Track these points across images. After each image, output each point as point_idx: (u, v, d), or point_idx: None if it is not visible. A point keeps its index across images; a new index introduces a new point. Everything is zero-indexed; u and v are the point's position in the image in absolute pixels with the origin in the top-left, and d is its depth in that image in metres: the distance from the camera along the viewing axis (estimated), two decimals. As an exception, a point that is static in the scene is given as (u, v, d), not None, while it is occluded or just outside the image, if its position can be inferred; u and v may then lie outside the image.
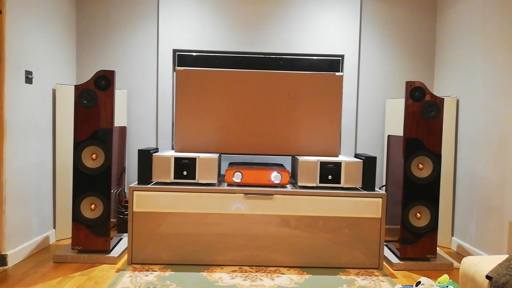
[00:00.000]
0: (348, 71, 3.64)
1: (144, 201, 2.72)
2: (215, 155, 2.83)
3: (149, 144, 3.65)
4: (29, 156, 2.90)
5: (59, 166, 3.26)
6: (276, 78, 2.99)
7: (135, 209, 2.73)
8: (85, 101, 2.74)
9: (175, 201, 2.72)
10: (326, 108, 3.00)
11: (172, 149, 3.60)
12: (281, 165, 3.13)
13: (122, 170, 3.10)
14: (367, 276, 2.63)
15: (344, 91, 3.61)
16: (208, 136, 3.00)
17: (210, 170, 2.78)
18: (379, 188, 3.07)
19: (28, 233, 2.91)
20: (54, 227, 3.28)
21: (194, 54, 3.62)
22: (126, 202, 3.11)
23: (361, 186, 2.83)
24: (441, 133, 2.78)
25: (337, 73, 3.00)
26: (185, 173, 2.78)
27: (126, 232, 3.26)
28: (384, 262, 2.88)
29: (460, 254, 3.16)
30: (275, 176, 2.81)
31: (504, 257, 1.79)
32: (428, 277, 2.48)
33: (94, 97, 2.74)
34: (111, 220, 2.82)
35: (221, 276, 2.58)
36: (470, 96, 3.14)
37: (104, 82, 2.75)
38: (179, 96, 2.98)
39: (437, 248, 3.02)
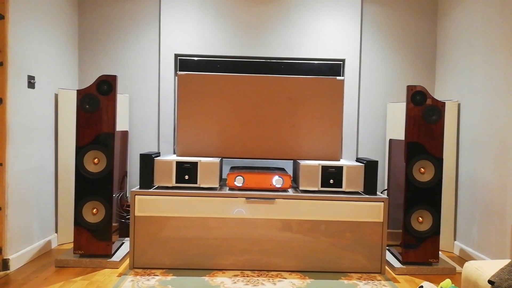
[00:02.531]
0: (349, 75, 3.65)
1: (145, 205, 2.72)
2: (217, 159, 2.83)
3: (150, 148, 3.65)
4: (31, 160, 2.90)
5: (61, 170, 3.26)
6: (277, 82, 3.00)
7: (136, 213, 2.73)
8: (87, 106, 2.75)
9: (176, 205, 2.73)
10: (327, 112, 3.01)
11: (174, 153, 3.61)
12: (282, 169, 3.13)
13: (124, 174, 3.10)
14: (369, 281, 2.62)
15: (345, 95, 3.61)
16: (210, 140, 3.01)
17: (211, 174, 2.79)
18: (381, 192, 3.07)
19: (30, 238, 2.91)
20: (56, 232, 3.29)
21: (195, 58, 3.63)
22: (128, 206, 3.12)
23: (362, 190, 2.83)
24: (442, 137, 2.78)
25: (338, 77, 3.01)
26: (186, 177, 2.79)
27: (128, 236, 3.26)
28: (386, 267, 2.88)
29: (463, 259, 3.15)
30: (276, 180, 2.81)
31: (506, 261, 1.79)
32: (431, 282, 2.47)
33: (96, 102, 2.75)
34: (113, 224, 2.82)
35: (222, 280, 2.57)
36: (471, 100, 3.14)
37: (106, 86, 2.76)
38: (180, 101, 2.99)
39: (440, 252, 3.02)
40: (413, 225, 2.79)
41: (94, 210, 2.77)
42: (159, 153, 3.08)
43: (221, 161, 3.06)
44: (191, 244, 2.74)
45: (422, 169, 2.79)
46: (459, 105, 3.31)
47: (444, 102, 2.79)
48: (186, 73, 2.99)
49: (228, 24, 3.62)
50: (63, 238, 3.31)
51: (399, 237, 2.85)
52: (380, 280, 2.64)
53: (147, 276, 2.61)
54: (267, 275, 2.69)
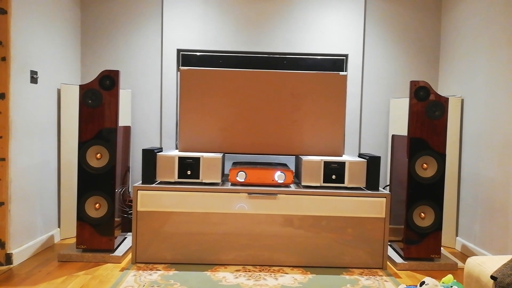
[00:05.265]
0: (352, 71, 3.63)
1: (148, 201, 2.73)
2: (219, 155, 2.83)
3: (153, 143, 3.66)
4: (34, 156, 2.91)
5: (64, 165, 3.27)
6: (279, 78, 2.99)
7: (139, 208, 2.74)
8: (89, 101, 2.75)
9: (179, 200, 2.73)
10: (330, 108, 3.00)
11: (176, 148, 3.61)
12: (284, 165, 3.13)
13: (126, 170, 3.11)
14: (370, 276, 2.63)
15: (348, 90, 3.60)
16: (212, 135, 3.00)
17: (214, 170, 2.79)
18: (383, 188, 3.06)
19: (33, 232, 2.92)
20: (59, 226, 3.30)
21: (198, 53, 3.63)
22: (130, 201, 3.13)
23: (365, 186, 2.83)
24: (445, 132, 2.77)
25: (341, 73, 3.00)
26: (189, 172, 2.79)
27: (130, 231, 3.27)
28: (388, 262, 2.88)
29: (465, 254, 3.15)
30: (278, 176, 2.81)
31: (509, 257, 1.78)
32: (432, 277, 2.47)
33: (99, 97, 2.75)
34: (115, 219, 2.83)
35: (224, 275, 2.58)
36: (475, 96, 3.13)
37: (108, 82, 2.76)
38: (183, 96, 2.99)
39: (441, 248, 3.01)
40: (415, 221, 2.78)
41: (97, 205, 2.78)
42: (161, 148, 3.08)
43: (223, 157, 3.06)
44: (193, 239, 2.75)
45: (425, 165, 2.78)
46: (462, 101, 3.29)
47: (448, 98, 2.78)
48: (189, 68, 2.99)
49: (230, 19, 3.60)
50: (65, 232, 3.32)
51: (401, 233, 2.84)
52: (381, 276, 2.64)
53: (149, 271, 2.62)
54: (269, 270, 2.69)
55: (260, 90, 2.99)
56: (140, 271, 2.61)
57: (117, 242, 2.90)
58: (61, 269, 2.63)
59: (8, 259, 2.66)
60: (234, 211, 2.74)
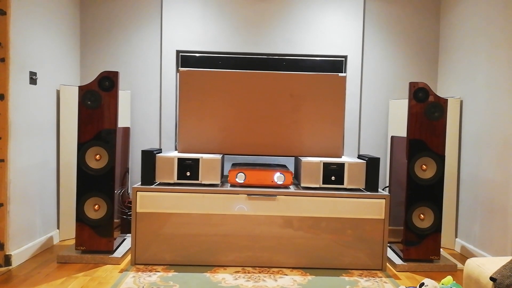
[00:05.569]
0: (351, 72, 3.64)
1: (147, 202, 2.73)
2: (218, 156, 2.83)
3: (152, 144, 3.66)
4: (33, 157, 2.91)
5: (63, 166, 3.27)
6: (279, 79, 2.99)
7: (138, 209, 2.73)
8: (89, 102, 2.75)
9: (178, 201, 2.73)
10: (329, 109, 3.00)
11: (176, 149, 3.61)
12: (284, 166, 3.13)
13: (125, 171, 3.11)
14: (370, 277, 2.63)
15: (347, 91, 3.61)
16: (211, 136, 3.00)
17: (213, 171, 2.79)
18: (383, 189, 3.06)
19: (32, 234, 2.92)
20: (58, 228, 3.29)
21: (197, 54, 3.63)
22: (130, 202, 3.12)
23: (364, 187, 2.83)
24: (444, 134, 2.77)
25: (340, 74, 3.00)
26: (188, 173, 2.79)
27: (130, 232, 3.27)
28: (387, 264, 2.88)
29: (464, 256, 3.15)
30: (278, 177, 2.81)
31: (508, 258, 1.78)
32: (432, 279, 2.47)
33: (98, 98, 2.75)
34: (115, 220, 2.83)
35: (224, 276, 2.58)
36: (474, 97, 3.13)
37: (107, 83, 2.76)
38: (182, 97, 2.99)
39: (441, 249, 3.02)
40: (414, 222, 2.78)
41: (96, 206, 2.78)
42: (160, 149, 3.08)
43: (222, 158, 3.06)
44: (192, 240, 2.75)
45: (424, 166, 2.79)
46: (461, 102, 3.30)
47: (447, 99, 2.78)
48: (188, 69, 2.99)
49: (230, 20, 3.61)
50: (65, 234, 3.32)
51: (401, 234, 2.84)
52: (381, 277, 2.64)
53: (148, 272, 2.61)
54: (268, 271, 2.69)
55: (260, 91, 2.99)
56: (139, 273, 2.61)
57: (116, 243, 2.90)
58: (60, 271, 2.63)
59: (7, 260, 2.65)
60: (233, 213, 2.74)
